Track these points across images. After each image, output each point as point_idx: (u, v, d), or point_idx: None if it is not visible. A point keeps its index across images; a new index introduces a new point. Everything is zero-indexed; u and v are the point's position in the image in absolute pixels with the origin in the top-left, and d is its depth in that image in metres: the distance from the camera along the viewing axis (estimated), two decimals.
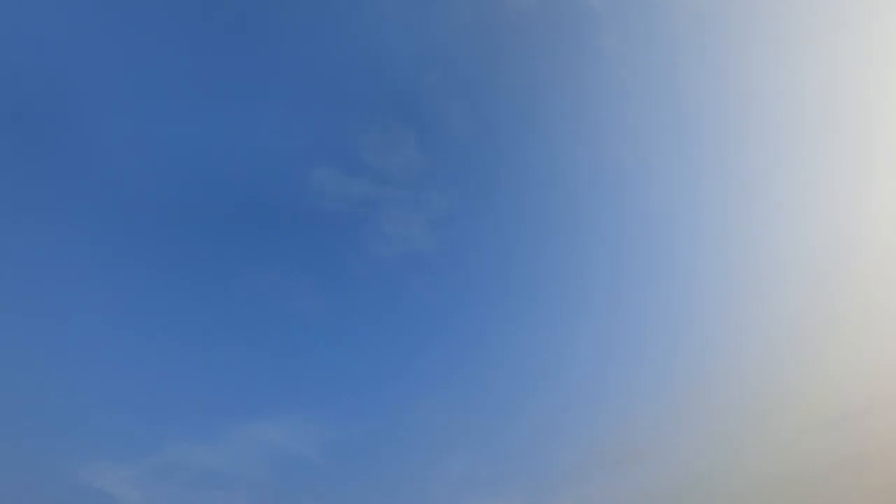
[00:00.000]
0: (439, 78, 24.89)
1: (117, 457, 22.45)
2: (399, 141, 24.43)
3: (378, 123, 24.76)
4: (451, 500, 24.73)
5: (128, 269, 24.43)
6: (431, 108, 25.37)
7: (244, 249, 25.51)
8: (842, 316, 26.13)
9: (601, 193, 27.90)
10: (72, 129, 23.16)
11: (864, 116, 26.61)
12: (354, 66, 24.93)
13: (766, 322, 26.88)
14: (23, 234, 22.80)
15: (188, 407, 24.10)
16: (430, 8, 24.75)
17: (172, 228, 24.81)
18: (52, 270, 23.42)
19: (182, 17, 23.39)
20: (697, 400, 26.32)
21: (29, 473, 21.03)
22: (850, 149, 26.81)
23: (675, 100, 27.78)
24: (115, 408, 23.14)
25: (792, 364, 26.14)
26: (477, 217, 27.18)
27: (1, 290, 22.27)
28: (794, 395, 25.70)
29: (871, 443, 24.38)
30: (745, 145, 27.74)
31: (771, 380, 26.16)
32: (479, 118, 26.03)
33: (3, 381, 21.83)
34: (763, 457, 25.13)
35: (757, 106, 27.64)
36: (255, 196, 24.95)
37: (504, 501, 24.84)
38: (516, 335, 27.63)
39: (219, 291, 25.24)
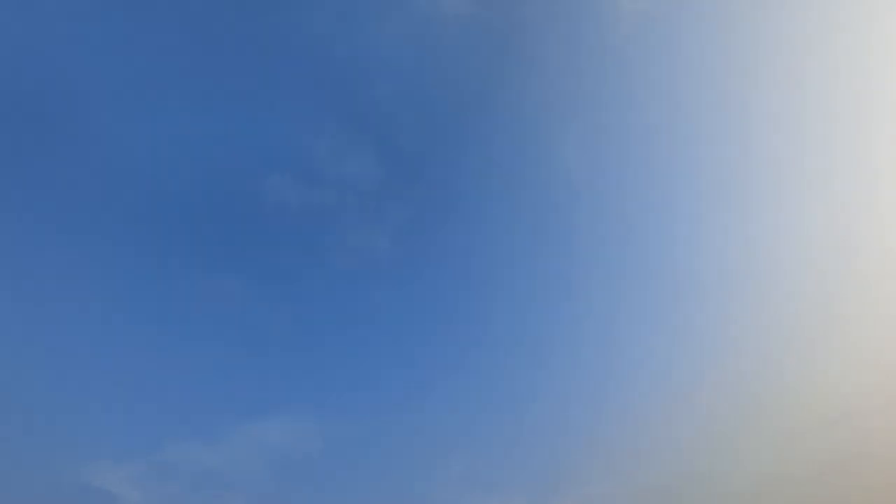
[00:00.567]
0: (394, 86, 25.22)
1: (118, 456, 22.46)
2: (357, 149, 24.71)
3: (335, 131, 25.02)
4: (453, 500, 24.75)
5: (125, 268, 24.44)
6: (389, 117, 25.63)
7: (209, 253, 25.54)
8: (842, 316, 26.17)
9: (577, 195, 27.93)
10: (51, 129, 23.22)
11: (866, 116, 26.66)
12: (312, 74, 25.17)
13: (767, 322, 26.92)
14: (23, 233, 22.82)
15: (189, 406, 24.11)
16: (383, 15, 25.04)
17: (169, 228, 24.83)
18: (51, 270, 23.42)
19: (137, 20, 23.54)
20: (698, 400, 26.35)
21: (29, 472, 21.02)
22: (851, 149, 26.87)
23: (668, 100, 27.82)
24: (115, 407, 23.14)
25: (792, 364, 26.17)
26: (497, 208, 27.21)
27: (0, 287, 22.27)
28: (794, 395, 25.73)
29: (871, 443, 24.42)
30: (745, 145, 27.79)
31: (771, 380, 26.19)
32: (435, 126, 26.29)
33: (2, 379, 21.83)
34: (763, 457, 25.16)
35: (758, 106, 27.69)
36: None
37: (506, 501, 24.86)
38: (518, 335, 27.67)
39: (218, 290, 25.25)
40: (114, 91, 23.49)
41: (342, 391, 25.84)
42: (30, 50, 21.88)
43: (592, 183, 27.20)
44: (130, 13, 23.55)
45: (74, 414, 22.50)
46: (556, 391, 26.86)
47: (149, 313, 24.31)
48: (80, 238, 23.72)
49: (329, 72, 24.90)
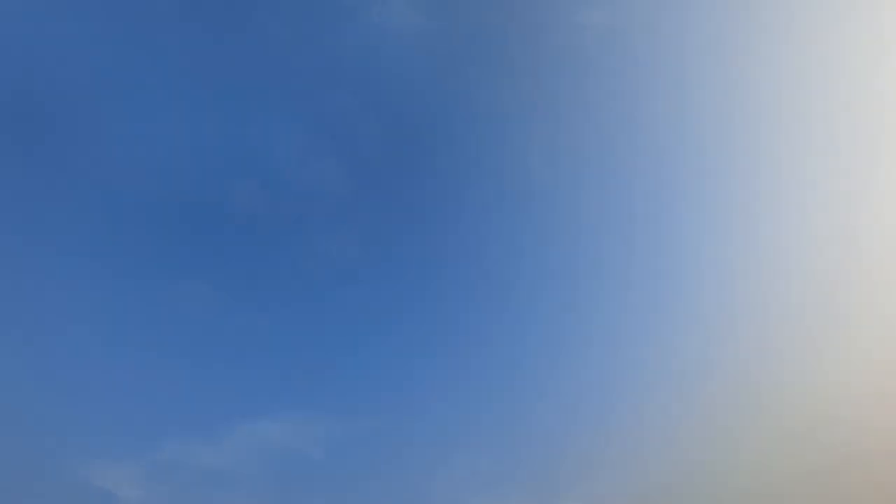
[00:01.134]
0: (356, 96, 25.53)
1: (117, 455, 22.29)
2: (322, 157, 24.98)
3: (300, 139, 25.25)
4: (453, 500, 24.72)
5: (120, 269, 24.30)
6: (354, 126, 25.90)
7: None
8: (845, 316, 26.28)
9: (547, 197, 28.03)
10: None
11: (868, 115, 26.77)
12: (277, 82, 25.39)
13: (768, 322, 27.01)
14: (20, 234, 22.63)
15: (188, 405, 23.98)
16: (339, 27, 25.38)
17: (165, 229, 24.73)
18: (49, 270, 23.24)
19: (106, 19, 23.53)
20: (700, 399, 26.41)
21: (28, 472, 20.84)
22: (852, 148, 26.97)
23: (667, 98, 27.87)
24: (115, 406, 22.98)
25: (794, 364, 26.26)
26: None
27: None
28: (796, 395, 25.82)
29: (873, 443, 24.53)
30: (746, 145, 27.86)
31: (773, 380, 26.27)
32: (400, 133, 26.63)
33: (1, 379, 21.63)
34: (766, 456, 25.23)
35: (761, 105, 27.76)
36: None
37: (507, 501, 24.85)
38: (520, 336, 27.67)
39: (217, 288, 25.13)
40: (75, 94, 23.51)
41: (343, 391, 25.78)
42: None
43: (558, 185, 27.44)
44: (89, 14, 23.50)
45: (74, 412, 22.33)
46: (558, 391, 26.88)
47: (148, 313, 24.18)
48: (75, 238, 23.58)
49: (293, 80, 25.22)
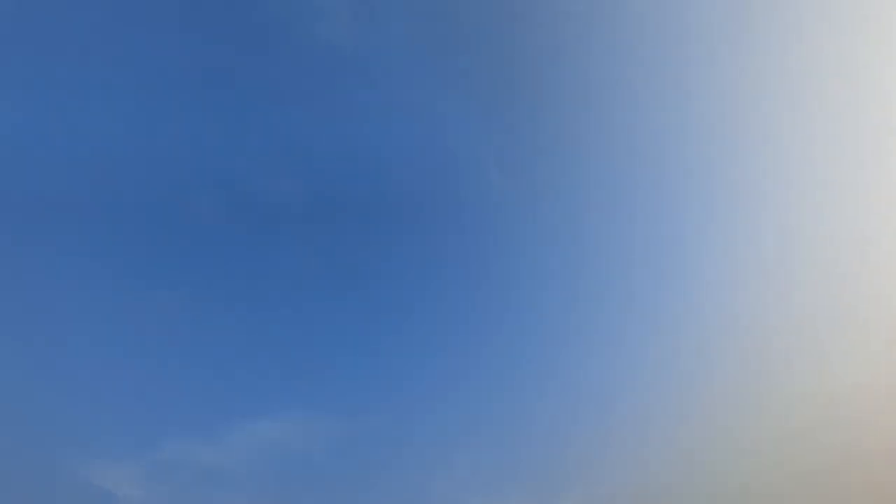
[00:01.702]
0: (306, 112, 25.73)
1: (117, 455, 22.28)
2: (282, 173, 25.20)
3: (260, 155, 25.40)
4: (454, 500, 24.71)
5: (120, 268, 24.29)
6: (306, 141, 26.08)
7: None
8: (847, 316, 26.27)
9: (590, 193, 27.97)
10: None
11: (872, 116, 26.76)
12: (237, 97, 25.50)
13: (769, 322, 27.00)
14: (20, 234, 22.62)
15: (188, 404, 23.96)
16: (277, 43, 25.48)
17: (165, 229, 24.70)
18: (49, 270, 23.23)
19: (91, 19, 23.47)
20: (701, 400, 26.40)
21: (28, 471, 20.82)
22: (856, 150, 26.96)
23: (668, 99, 27.85)
24: (115, 406, 22.96)
25: (795, 364, 26.25)
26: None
27: None
28: (797, 395, 25.81)
29: (874, 442, 24.52)
30: (747, 145, 27.85)
31: (774, 380, 26.26)
32: (356, 148, 26.81)
33: (2, 379, 21.61)
34: (766, 457, 25.23)
35: (762, 105, 27.75)
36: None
37: (508, 501, 24.83)
38: (520, 336, 27.65)
39: (217, 288, 25.12)
40: (47, 96, 23.51)
41: (343, 391, 25.77)
42: None
43: (558, 185, 27.45)
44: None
45: (74, 412, 22.31)
46: (558, 391, 26.87)
47: (148, 313, 24.16)
48: (77, 238, 23.56)
49: (248, 98, 25.33)
